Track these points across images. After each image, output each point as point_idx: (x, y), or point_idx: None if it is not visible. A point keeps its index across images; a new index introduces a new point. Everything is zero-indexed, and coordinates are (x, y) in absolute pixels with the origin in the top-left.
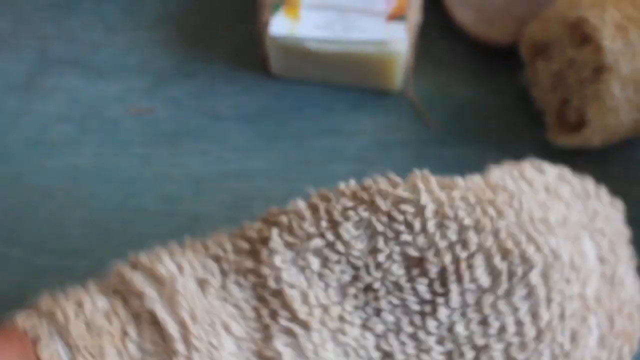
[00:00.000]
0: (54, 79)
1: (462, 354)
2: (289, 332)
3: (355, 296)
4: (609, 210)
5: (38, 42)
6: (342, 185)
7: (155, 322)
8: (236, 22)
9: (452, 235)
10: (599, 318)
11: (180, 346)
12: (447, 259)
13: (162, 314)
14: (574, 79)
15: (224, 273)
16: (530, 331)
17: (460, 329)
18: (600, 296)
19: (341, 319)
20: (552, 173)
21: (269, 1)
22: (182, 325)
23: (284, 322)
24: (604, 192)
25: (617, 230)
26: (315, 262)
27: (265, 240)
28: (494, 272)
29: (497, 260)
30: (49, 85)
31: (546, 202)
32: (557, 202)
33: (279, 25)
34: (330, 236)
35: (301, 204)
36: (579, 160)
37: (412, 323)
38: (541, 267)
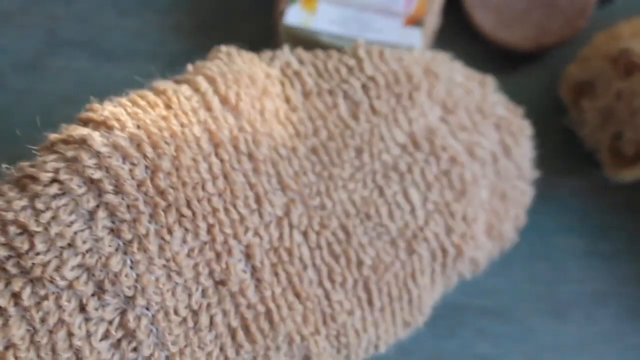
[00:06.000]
0: (61, 60)
1: None
2: None
3: None
4: None
5: (47, 22)
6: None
7: None
8: (251, 12)
9: None
10: None
11: None
12: None
13: None
14: (625, 110)
15: None
16: None
17: None
18: None
19: None
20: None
21: None
22: None
23: None
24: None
25: None
26: None
27: None
28: None
29: None
30: (57, 65)
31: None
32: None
33: (294, 16)
34: None
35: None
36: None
37: None
38: None
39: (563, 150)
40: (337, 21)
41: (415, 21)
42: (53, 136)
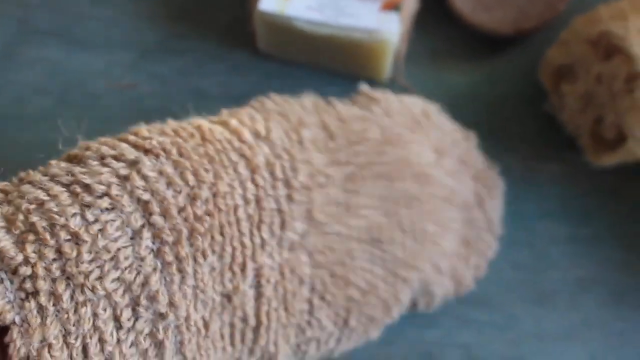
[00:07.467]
0: (34, 50)
1: None
2: None
3: None
4: None
5: (19, 11)
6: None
7: None
8: (226, 0)
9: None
10: None
11: None
12: None
13: None
14: (606, 94)
15: None
16: None
17: None
18: None
19: None
20: None
21: None
22: None
23: None
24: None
25: None
26: None
27: None
28: None
29: None
30: (29, 55)
31: None
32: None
33: (269, 2)
34: None
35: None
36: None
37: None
38: None
39: (543, 136)
40: (313, 7)
41: (392, 5)
42: (105, 149)
